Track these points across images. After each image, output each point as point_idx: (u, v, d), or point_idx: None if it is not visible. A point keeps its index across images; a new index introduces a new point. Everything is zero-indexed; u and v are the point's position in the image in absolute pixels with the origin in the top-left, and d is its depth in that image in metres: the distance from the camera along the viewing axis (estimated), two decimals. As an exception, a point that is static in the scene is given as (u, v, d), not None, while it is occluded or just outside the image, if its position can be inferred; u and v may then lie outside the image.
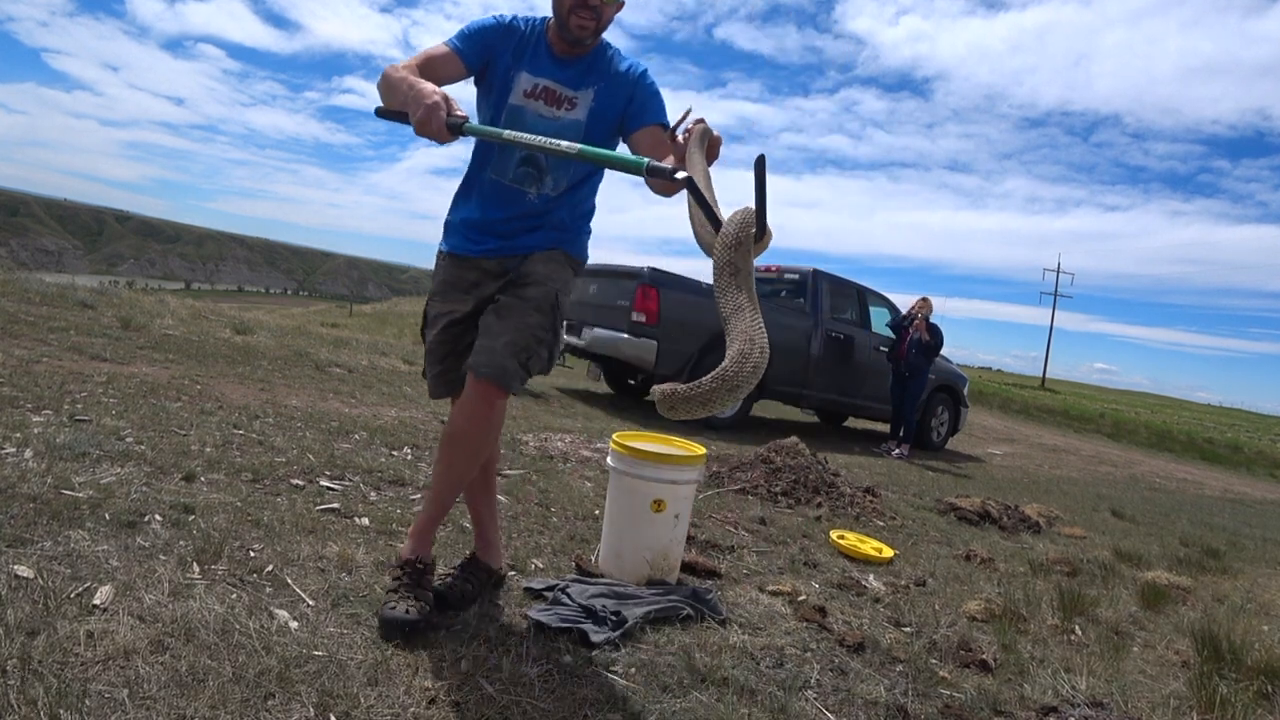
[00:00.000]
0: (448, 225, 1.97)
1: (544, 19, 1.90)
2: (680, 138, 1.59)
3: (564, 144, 1.50)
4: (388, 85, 1.66)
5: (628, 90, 1.88)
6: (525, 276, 1.85)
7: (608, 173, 1.87)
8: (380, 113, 1.67)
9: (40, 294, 6.07)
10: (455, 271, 1.92)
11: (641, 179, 1.48)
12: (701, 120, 1.58)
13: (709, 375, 1.20)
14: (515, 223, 1.88)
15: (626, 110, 1.88)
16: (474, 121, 1.58)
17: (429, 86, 1.55)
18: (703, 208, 1.34)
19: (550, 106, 1.85)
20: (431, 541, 1.91)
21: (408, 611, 1.68)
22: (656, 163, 1.39)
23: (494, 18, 1.87)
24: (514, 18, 1.88)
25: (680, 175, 1.36)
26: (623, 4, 1.80)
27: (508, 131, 1.56)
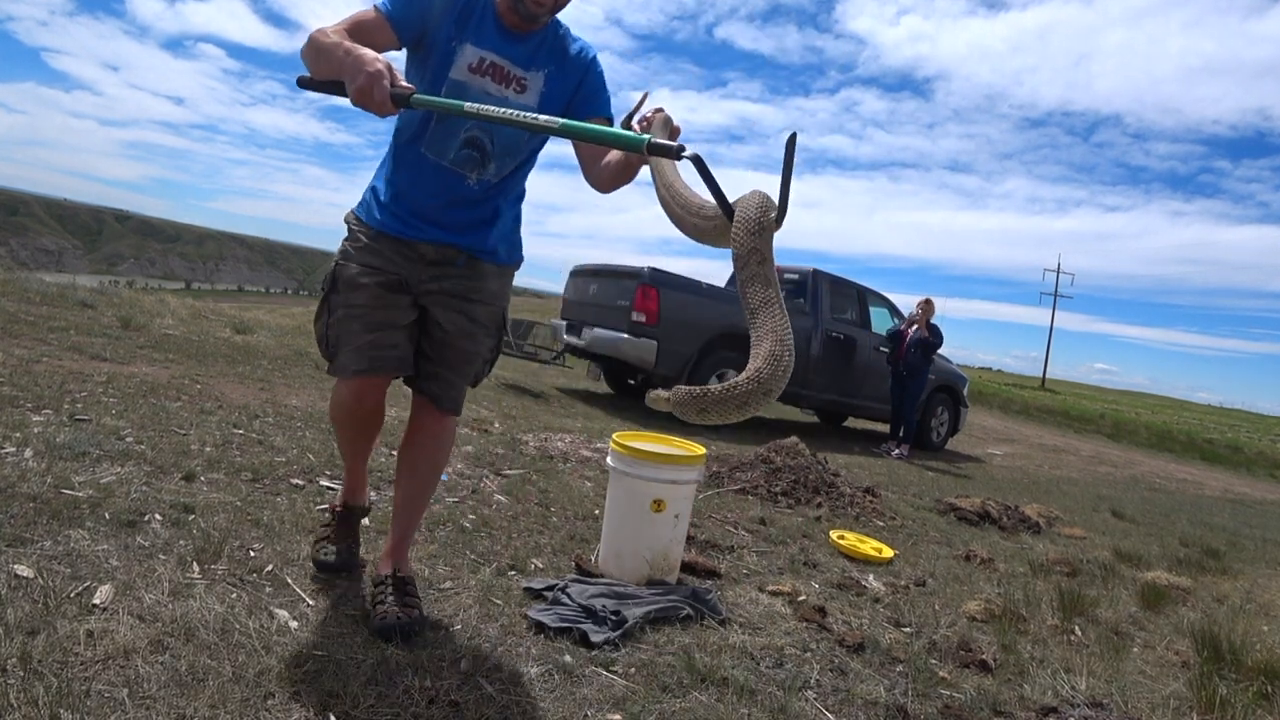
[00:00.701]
0: (370, 194, 1.79)
1: None
2: (637, 126, 1.52)
3: (543, 118, 1.38)
4: (317, 51, 1.48)
5: (579, 76, 1.76)
6: (476, 292, 1.78)
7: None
8: (305, 83, 1.52)
9: (40, 294, 6.07)
10: (385, 247, 1.73)
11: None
12: (661, 109, 1.52)
13: (743, 377, 1.11)
14: (454, 211, 1.74)
15: (574, 97, 1.77)
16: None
17: (369, 53, 1.40)
18: (712, 189, 1.25)
19: (499, 84, 1.69)
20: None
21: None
22: (659, 140, 1.29)
23: None
24: None
25: (688, 153, 1.25)
26: None
27: (471, 104, 1.42)
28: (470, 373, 1.85)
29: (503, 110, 1.41)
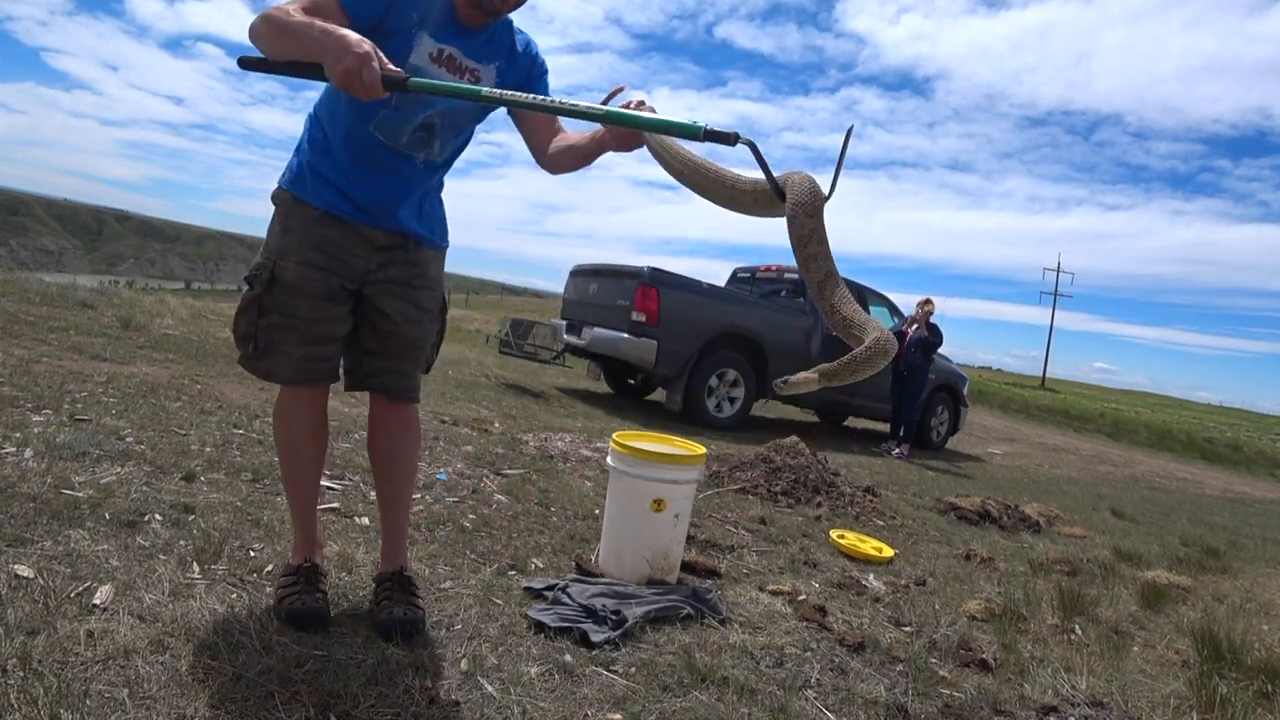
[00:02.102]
0: (307, 170, 1.68)
1: None
2: None
3: (583, 104, 1.37)
4: (282, 31, 1.39)
5: (525, 67, 1.76)
6: (420, 278, 1.76)
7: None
8: (250, 64, 1.41)
9: (40, 294, 6.07)
10: (331, 234, 1.65)
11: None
12: (643, 101, 1.52)
13: (869, 341, 1.24)
14: (397, 191, 1.70)
15: (520, 87, 1.73)
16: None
17: (353, 34, 1.33)
18: (765, 171, 1.29)
19: (454, 75, 1.66)
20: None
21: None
22: (714, 127, 1.27)
23: None
24: None
25: (743, 139, 1.27)
26: None
27: (487, 89, 1.38)
28: (420, 359, 1.83)
29: (537, 97, 1.40)
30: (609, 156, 1.71)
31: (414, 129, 1.66)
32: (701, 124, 1.27)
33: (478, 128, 1.82)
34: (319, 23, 1.36)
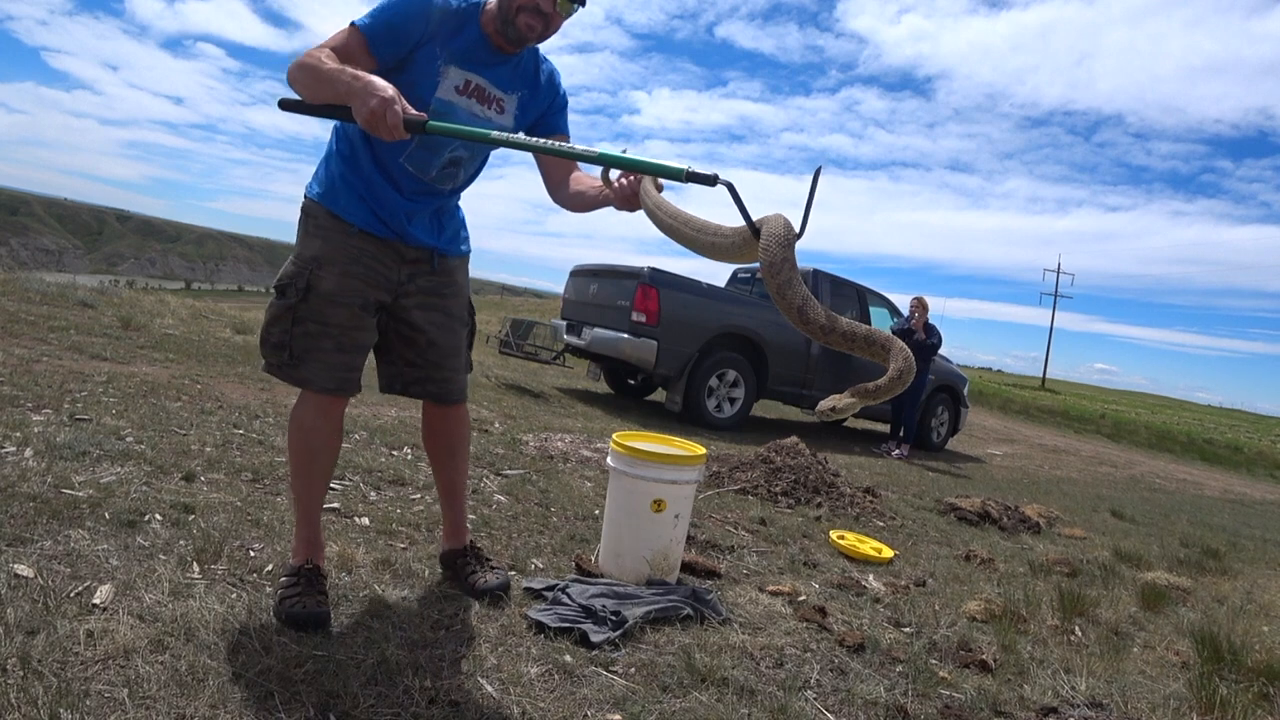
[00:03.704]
0: (340, 184, 1.73)
1: (479, 3, 1.73)
2: (620, 180, 1.57)
3: (580, 147, 1.51)
4: (315, 77, 1.48)
5: (548, 98, 1.88)
6: (448, 286, 1.87)
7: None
8: (289, 105, 1.53)
9: (40, 293, 6.07)
10: (367, 247, 1.72)
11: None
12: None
13: (892, 370, 1.42)
14: (432, 217, 1.83)
15: (541, 118, 1.88)
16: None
17: (379, 80, 1.43)
18: (741, 211, 1.38)
19: (482, 105, 1.76)
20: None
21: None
22: (697, 169, 1.37)
23: (421, 0, 1.66)
24: (446, 0, 1.68)
25: (723, 180, 1.37)
26: (574, 13, 1.72)
27: (497, 131, 1.52)
28: (461, 362, 1.94)
29: (545, 142, 1.53)
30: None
31: (443, 164, 1.76)
32: (684, 166, 1.38)
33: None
34: (349, 69, 1.46)
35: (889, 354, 1.44)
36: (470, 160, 1.82)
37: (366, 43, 1.60)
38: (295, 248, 1.73)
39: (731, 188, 1.37)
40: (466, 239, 1.95)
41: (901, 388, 1.44)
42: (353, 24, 1.61)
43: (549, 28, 1.72)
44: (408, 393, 1.90)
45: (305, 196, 1.77)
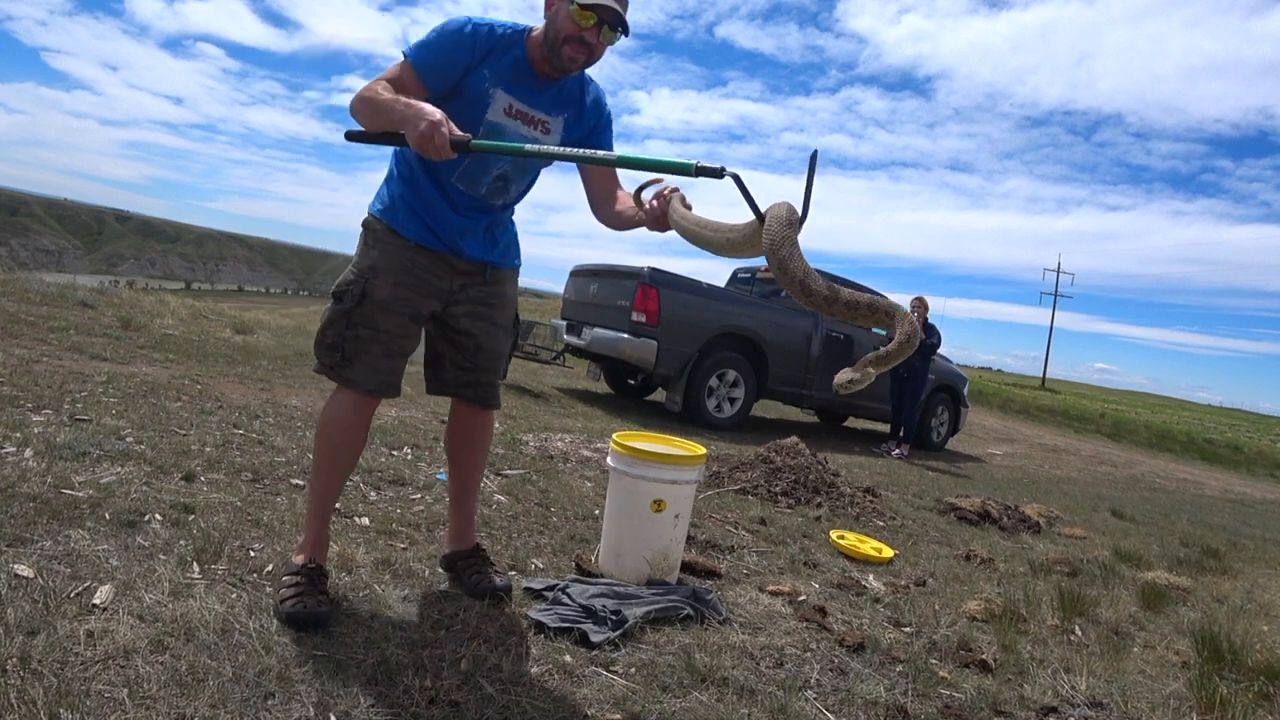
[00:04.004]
0: (399, 203, 1.84)
1: (524, 30, 1.82)
2: (651, 202, 1.73)
3: (600, 153, 1.64)
4: (373, 108, 1.62)
5: (593, 120, 1.95)
6: (497, 297, 1.97)
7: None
8: (354, 136, 1.66)
9: (40, 294, 6.07)
10: (420, 261, 1.83)
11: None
12: (676, 188, 1.73)
13: (896, 340, 1.52)
14: (486, 232, 1.93)
15: (585, 138, 1.95)
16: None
17: (428, 105, 1.55)
18: (748, 199, 1.47)
19: (527, 127, 1.85)
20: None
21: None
22: (704, 163, 1.46)
23: (466, 30, 1.74)
24: (490, 28, 1.77)
25: (729, 171, 1.46)
26: (616, 41, 1.79)
27: (531, 145, 1.63)
28: (500, 368, 2.07)
29: (564, 149, 1.65)
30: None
31: (491, 180, 1.85)
32: (693, 161, 1.47)
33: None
34: (403, 99, 1.58)
35: (894, 320, 1.52)
36: (519, 176, 1.90)
37: (417, 74, 1.71)
38: (354, 258, 1.86)
39: (738, 179, 1.46)
40: (518, 252, 2.05)
41: (910, 349, 1.52)
42: (404, 56, 1.73)
43: (592, 56, 1.78)
44: (453, 394, 2.02)
45: (368, 213, 1.90)
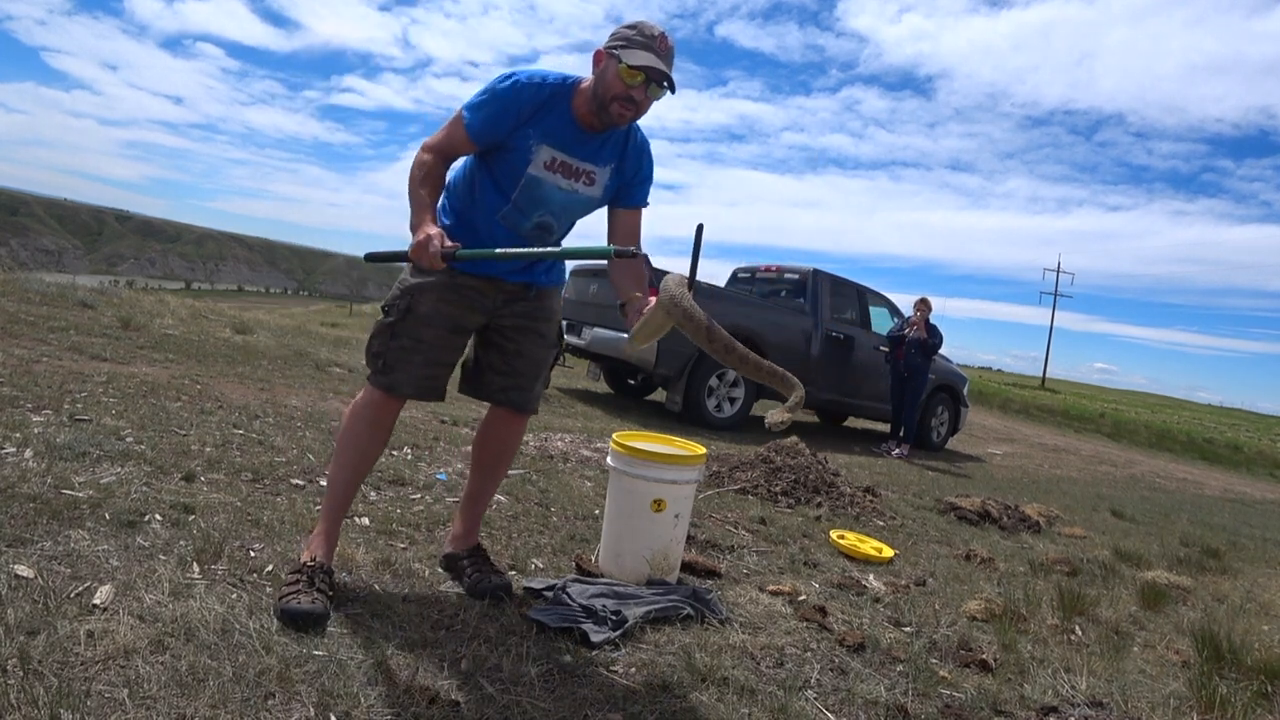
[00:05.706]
0: (449, 235, 1.85)
1: (573, 82, 1.85)
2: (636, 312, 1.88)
3: (539, 250, 1.83)
4: (409, 189, 1.79)
5: (635, 167, 1.99)
6: (541, 311, 2.05)
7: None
8: (373, 258, 1.88)
9: (40, 294, 6.07)
10: (466, 282, 1.91)
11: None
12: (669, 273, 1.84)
13: (795, 395, 1.74)
14: (528, 263, 1.99)
15: (624, 185, 1.99)
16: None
17: (430, 221, 1.71)
18: (693, 262, 1.69)
19: (569, 179, 1.90)
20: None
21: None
22: (617, 249, 1.73)
23: (514, 91, 1.80)
24: (539, 86, 1.81)
25: (638, 253, 1.80)
26: (661, 96, 1.84)
27: (499, 249, 1.77)
28: (541, 377, 2.11)
29: (521, 250, 1.80)
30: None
31: (532, 226, 1.94)
32: (611, 247, 1.74)
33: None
34: (422, 199, 1.76)
35: (785, 385, 1.74)
36: (560, 223, 2.00)
37: (468, 135, 1.83)
38: (401, 274, 1.95)
39: (645, 258, 1.83)
40: (563, 270, 2.13)
41: (798, 410, 1.77)
42: (460, 117, 1.82)
43: (639, 112, 1.84)
44: (490, 398, 2.07)
45: None
